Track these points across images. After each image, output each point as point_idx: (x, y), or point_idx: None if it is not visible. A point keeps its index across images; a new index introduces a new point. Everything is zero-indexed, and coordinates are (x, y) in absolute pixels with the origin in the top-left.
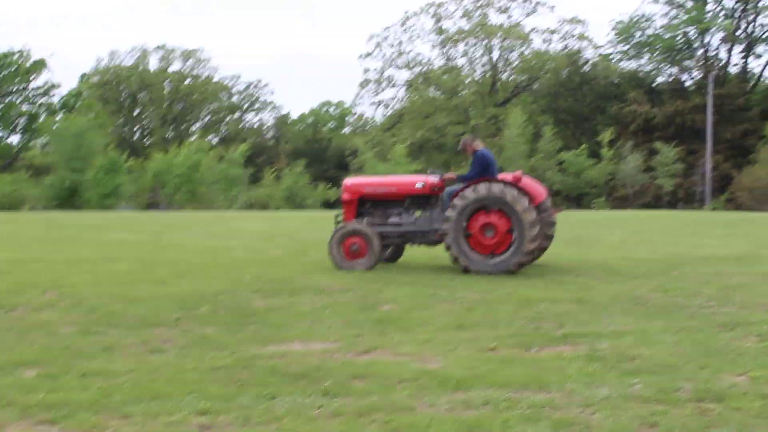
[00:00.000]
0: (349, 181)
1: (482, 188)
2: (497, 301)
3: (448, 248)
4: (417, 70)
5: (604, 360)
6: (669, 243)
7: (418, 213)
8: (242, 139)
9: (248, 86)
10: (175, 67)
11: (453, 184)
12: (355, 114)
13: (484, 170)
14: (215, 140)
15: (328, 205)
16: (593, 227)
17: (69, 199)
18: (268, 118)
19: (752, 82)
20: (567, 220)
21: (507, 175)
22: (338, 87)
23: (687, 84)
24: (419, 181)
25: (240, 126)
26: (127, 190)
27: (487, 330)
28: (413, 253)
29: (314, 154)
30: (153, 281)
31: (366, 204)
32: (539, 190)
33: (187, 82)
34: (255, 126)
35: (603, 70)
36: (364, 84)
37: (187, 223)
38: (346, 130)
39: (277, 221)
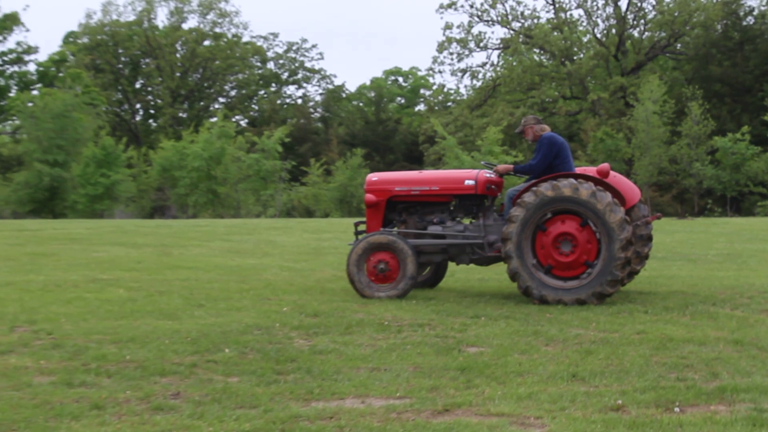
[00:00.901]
0: (374, 177)
1: (547, 189)
2: (625, 342)
3: (513, 277)
4: (517, 25)
5: None
6: None
7: (467, 220)
8: (280, 120)
9: (288, 49)
10: (192, 23)
11: (514, 177)
12: (433, 86)
13: (554, 160)
14: (244, 122)
15: None
16: (758, 240)
17: (48, 202)
18: (314, 92)
19: None
20: (720, 230)
21: (588, 169)
22: (409, 49)
23: None
24: (469, 177)
25: (278, 103)
26: (125, 191)
27: (611, 382)
28: (496, 274)
29: (377, 140)
30: (159, 314)
31: (397, 208)
32: (632, 189)
33: (206, 43)
34: (297, 103)
35: None
36: (444, 45)
37: (206, 235)
38: (420, 107)
39: (325, 232)
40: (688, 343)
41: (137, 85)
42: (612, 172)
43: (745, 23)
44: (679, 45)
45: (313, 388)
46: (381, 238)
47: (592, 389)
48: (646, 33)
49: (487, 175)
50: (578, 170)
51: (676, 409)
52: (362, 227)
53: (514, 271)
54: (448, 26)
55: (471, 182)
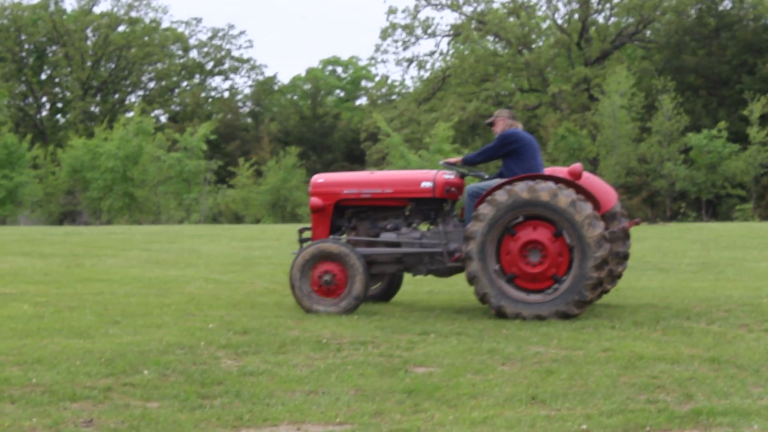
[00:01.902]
0: (320, 179)
1: (522, 189)
2: (590, 360)
3: (471, 280)
4: (468, 10)
5: None
6: None
7: (424, 226)
8: (205, 115)
9: (213, 36)
10: (104, 6)
11: (468, 173)
12: (376, 77)
13: (510, 156)
14: (164, 117)
15: None
16: (736, 247)
17: None
18: (243, 84)
19: None
20: (695, 237)
21: (557, 170)
22: (349, 37)
23: None
24: (427, 178)
25: (202, 96)
26: (30, 194)
27: (574, 404)
28: (447, 286)
29: (313, 137)
30: (69, 332)
31: (346, 213)
32: (607, 192)
33: (120, 29)
34: (224, 96)
35: (752, 9)
36: (387, 32)
37: (122, 244)
38: (361, 101)
39: (256, 240)
40: (660, 361)
41: (43, 76)
42: (585, 173)
43: (721, 8)
44: (648, 32)
45: (243, 413)
46: (327, 247)
47: (553, 413)
48: (613, 18)
49: (447, 176)
50: (547, 171)
51: None
52: (307, 234)
53: (473, 275)
54: (392, 11)
55: (428, 184)
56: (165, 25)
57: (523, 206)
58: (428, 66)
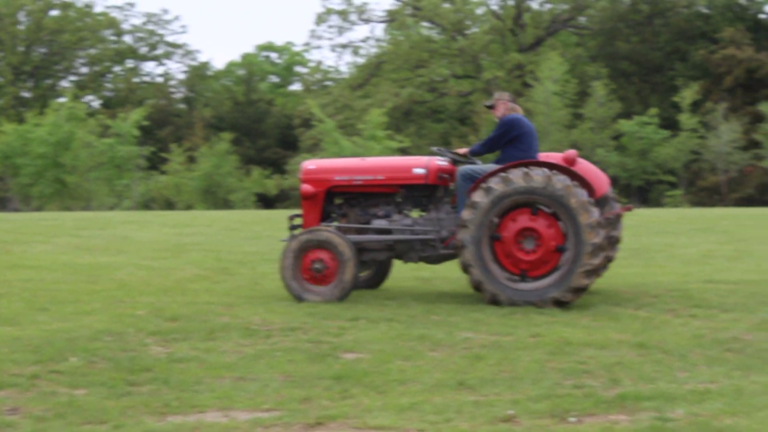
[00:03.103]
0: (310, 165)
1: (521, 176)
2: (519, 346)
3: (466, 269)
4: None
5: None
6: None
7: (416, 213)
8: (137, 101)
9: (147, 20)
10: None
11: (461, 160)
12: (310, 63)
13: (515, 144)
14: (96, 103)
15: (266, 201)
16: (665, 233)
17: None
18: (176, 69)
19: None
20: (625, 223)
21: (553, 156)
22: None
23: None
24: (419, 165)
25: (135, 81)
26: None
27: (502, 390)
28: (397, 272)
29: (247, 123)
30: None
31: (337, 200)
32: (600, 177)
33: (53, 13)
34: (157, 81)
35: None
36: (322, 17)
37: (52, 230)
38: (295, 87)
39: (187, 226)
40: (588, 346)
41: None
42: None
43: None
44: (582, 18)
45: (171, 400)
46: (319, 235)
47: (481, 398)
48: (547, 5)
49: (439, 162)
50: (541, 156)
51: (573, 419)
52: (298, 221)
53: (467, 264)
54: None
55: (421, 171)
56: (98, 9)
57: (519, 193)
58: (363, 52)
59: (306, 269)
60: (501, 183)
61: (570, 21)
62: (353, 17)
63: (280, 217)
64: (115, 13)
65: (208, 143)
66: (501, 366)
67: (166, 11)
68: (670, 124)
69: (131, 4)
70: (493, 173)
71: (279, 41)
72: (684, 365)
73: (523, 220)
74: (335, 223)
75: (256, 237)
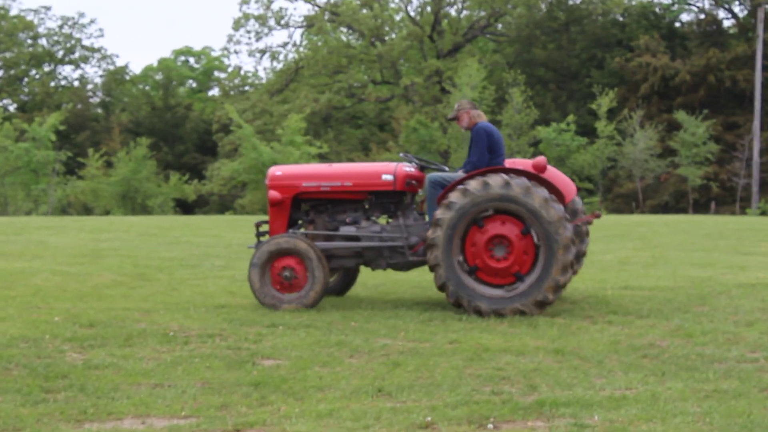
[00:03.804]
0: (278, 171)
1: (479, 185)
2: (437, 352)
3: (442, 287)
4: (322, 1)
5: None
6: (695, 264)
7: (384, 219)
8: (54, 105)
9: (63, 24)
10: None
11: (429, 166)
12: (228, 68)
13: (488, 153)
14: (12, 107)
15: (185, 207)
16: None
17: None
18: (94, 73)
19: None
20: None
21: (521, 162)
22: (202, 27)
23: (725, 25)
24: (387, 171)
25: (51, 85)
26: None
27: (420, 396)
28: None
29: (165, 128)
30: None
31: (304, 207)
32: (568, 185)
33: None
34: (74, 85)
35: (601, 4)
36: (240, 22)
37: None
38: (214, 92)
39: (105, 232)
40: (505, 353)
41: None
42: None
43: (571, 2)
44: (500, 25)
45: (87, 407)
46: (286, 242)
47: (399, 405)
48: (465, 12)
49: (407, 169)
50: (508, 162)
51: (490, 425)
52: (264, 227)
53: (435, 263)
54: (244, 1)
55: (389, 177)
56: (14, 12)
57: (488, 201)
58: (281, 57)
59: (275, 277)
60: (468, 191)
61: (487, 28)
62: (271, 22)
63: (198, 222)
64: (30, 17)
65: (126, 148)
66: (419, 372)
67: (82, 15)
68: (587, 131)
69: (47, 8)
70: (462, 180)
71: (197, 46)
72: (600, 371)
73: (480, 238)
74: (302, 230)
75: (174, 242)
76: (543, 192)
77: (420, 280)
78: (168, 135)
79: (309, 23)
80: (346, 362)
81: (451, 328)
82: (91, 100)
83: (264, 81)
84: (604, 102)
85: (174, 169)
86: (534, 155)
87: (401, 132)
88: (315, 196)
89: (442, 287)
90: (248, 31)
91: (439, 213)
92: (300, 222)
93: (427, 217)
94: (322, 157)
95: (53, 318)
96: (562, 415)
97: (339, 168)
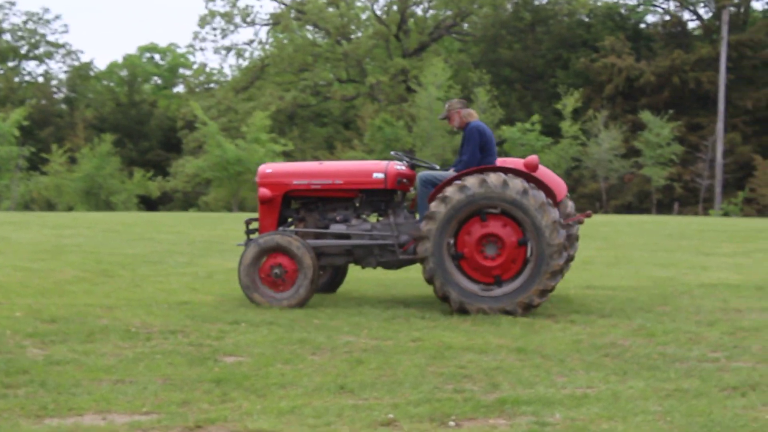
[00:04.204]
0: (268, 169)
1: (477, 182)
2: (399, 350)
3: (430, 279)
4: None
5: None
6: (657, 264)
7: (374, 218)
8: (18, 101)
9: (27, 19)
10: None
11: (419, 164)
12: (194, 65)
13: (479, 153)
14: None
15: (149, 203)
16: None
17: None
18: (58, 69)
19: None
20: None
21: (512, 161)
22: (167, 23)
23: (690, 27)
24: (378, 169)
25: (15, 80)
26: None
27: (382, 394)
28: None
29: (129, 125)
30: None
31: (294, 204)
32: (559, 184)
33: None
34: (38, 81)
35: (566, 4)
36: (206, 19)
37: None
38: (179, 89)
39: (68, 228)
40: (468, 351)
41: None
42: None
43: (537, 3)
44: (466, 25)
45: (48, 403)
46: (276, 240)
47: (361, 402)
48: (431, 11)
49: (398, 167)
50: (499, 161)
51: (452, 423)
52: (255, 225)
53: (432, 272)
54: None
55: (380, 175)
56: None
57: (480, 199)
58: (247, 55)
59: (265, 272)
60: (459, 190)
61: (453, 27)
62: (237, 20)
63: (162, 219)
64: None
65: (90, 144)
66: (381, 370)
67: (47, 10)
68: (551, 131)
69: (11, 3)
70: (453, 179)
71: (162, 42)
72: (562, 370)
73: (477, 230)
74: (292, 228)
75: (137, 239)
76: (540, 195)
77: (383, 278)
78: (132, 131)
79: (275, 21)
80: (309, 359)
81: (414, 326)
82: (55, 95)
83: (229, 78)
84: (569, 102)
85: (138, 166)
86: (500, 154)
87: (366, 130)
88: (305, 193)
89: (429, 280)
90: (214, 29)
91: (434, 206)
92: (290, 220)
93: (417, 216)
94: (287, 155)
95: (14, 313)
96: (524, 413)
97: (330, 166)
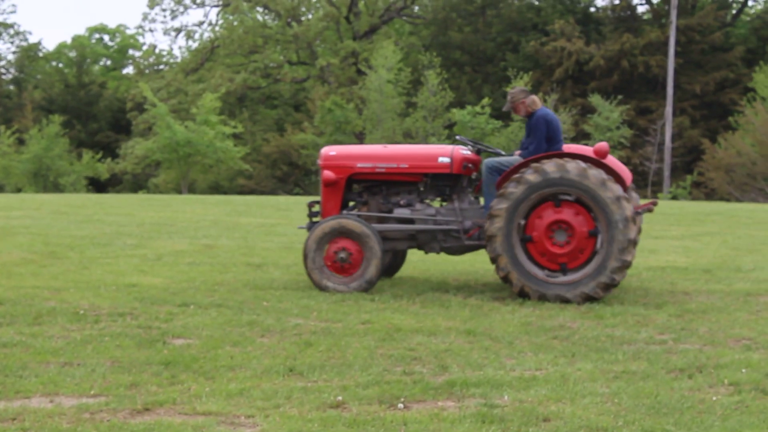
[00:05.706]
0: (332, 151)
1: (551, 167)
2: (349, 332)
3: (494, 260)
4: None
5: (504, 421)
6: None
7: (437, 203)
8: None
9: None
10: None
11: (485, 149)
12: (143, 46)
13: (547, 140)
14: None
15: (98, 185)
16: None
17: None
18: (6, 50)
19: (734, 10)
20: None
21: (580, 148)
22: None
23: (639, 11)
24: (444, 153)
25: None
26: None
27: (331, 376)
28: (207, 258)
29: (78, 106)
30: None
31: (357, 188)
32: (626, 171)
33: None
34: None
35: None
36: (155, 1)
37: None
38: (128, 70)
39: (15, 209)
40: (417, 333)
41: None
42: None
43: None
44: (416, 8)
45: None
46: (342, 223)
47: (310, 384)
48: None
49: (464, 152)
50: (566, 148)
51: (401, 405)
52: (317, 208)
53: (497, 255)
54: None
55: (446, 160)
56: None
57: (553, 184)
58: (196, 36)
59: (330, 257)
60: (534, 174)
61: (404, 10)
62: (187, 1)
63: (111, 201)
64: None
65: (38, 125)
66: (331, 352)
67: None
68: (501, 114)
69: None
70: (522, 165)
71: (112, 23)
72: (511, 352)
73: (550, 214)
74: (356, 212)
75: (85, 221)
76: (617, 189)
77: None
78: (81, 113)
79: (225, 2)
80: (258, 342)
81: (364, 308)
82: (3, 76)
83: (179, 60)
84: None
85: (87, 148)
86: (449, 137)
87: (317, 113)
88: (369, 177)
89: (494, 260)
90: (164, 10)
91: (510, 186)
92: (352, 203)
93: (482, 201)
94: (237, 137)
95: None
96: (473, 395)
97: (395, 149)
